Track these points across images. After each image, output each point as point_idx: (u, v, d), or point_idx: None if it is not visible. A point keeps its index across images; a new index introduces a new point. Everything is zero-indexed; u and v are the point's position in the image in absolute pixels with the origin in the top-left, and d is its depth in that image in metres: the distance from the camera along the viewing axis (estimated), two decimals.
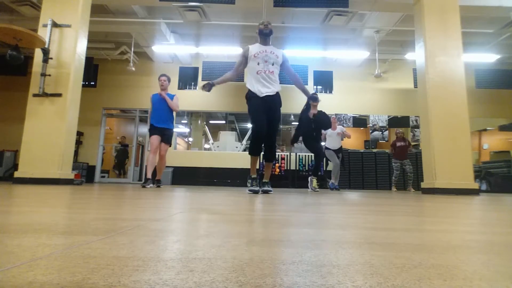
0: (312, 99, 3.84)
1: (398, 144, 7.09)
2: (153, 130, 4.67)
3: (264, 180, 3.38)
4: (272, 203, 1.79)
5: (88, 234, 0.64)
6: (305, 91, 3.69)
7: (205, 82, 3.42)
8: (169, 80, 4.86)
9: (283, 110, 3.69)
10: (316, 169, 5.06)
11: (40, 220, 0.83)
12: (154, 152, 4.62)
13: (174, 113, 5.46)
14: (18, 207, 1.15)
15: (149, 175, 4.56)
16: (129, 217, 0.96)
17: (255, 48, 3.36)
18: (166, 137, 4.70)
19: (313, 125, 4.95)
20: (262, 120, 3.19)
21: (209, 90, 3.36)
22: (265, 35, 3.35)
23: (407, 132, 9.16)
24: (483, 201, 2.62)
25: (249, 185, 3.27)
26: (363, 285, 0.36)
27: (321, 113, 5.04)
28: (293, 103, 8.45)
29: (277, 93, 3.33)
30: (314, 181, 4.91)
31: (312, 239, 0.65)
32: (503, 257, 0.54)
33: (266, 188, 3.28)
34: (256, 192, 3.13)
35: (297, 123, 5.20)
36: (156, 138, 4.64)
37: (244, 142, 9.02)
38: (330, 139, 6.35)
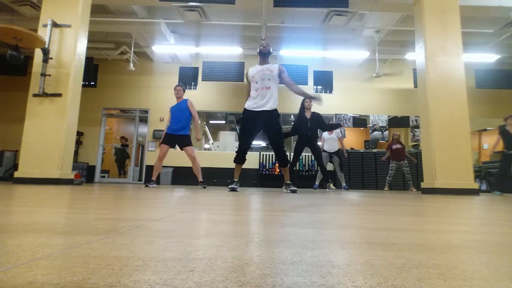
0: (309, 97, 4.05)
1: (394, 146, 7.22)
2: (165, 139, 4.83)
3: (287, 182, 3.82)
4: (272, 203, 1.79)
5: (88, 234, 0.64)
6: (303, 93, 3.91)
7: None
8: (184, 90, 5.08)
9: (283, 110, 3.91)
10: (323, 171, 5.18)
11: (40, 220, 0.83)
12: (161, 159, 4.79)
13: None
14: (18, 207, 1.15)
15: (154, 178, 4.80)
16: (129, 217, 0.96)
17: (253, 71, 3.76)
18: (184, 142, 4.86)
19: (309, 124, 5.02)
20: (247, 137, 3.65)
21: None
22: (264, 55, 3.76)
23: (407, 132, 9.17)
24: (483, 201, 2.62)
25: (231, 185, 3.67)
26: (363, 285, 0.36)
27: (315, 114, 5.14)
28: (292, 104, 8.45)
29: (275, 110, 3.68)
30: (331, 185, 5.03)
31: (312, 239, 0.65)
32: (503, 257, 0.54)
33: (292, 188, 3.66)
34: (234, 190, 3.57)
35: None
36: (165, 147, 4.80)
37: None
38: (327, 143, 6.77)
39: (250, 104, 3.67)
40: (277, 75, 3.70)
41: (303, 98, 5.13)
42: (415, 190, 7.17)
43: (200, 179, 4.94)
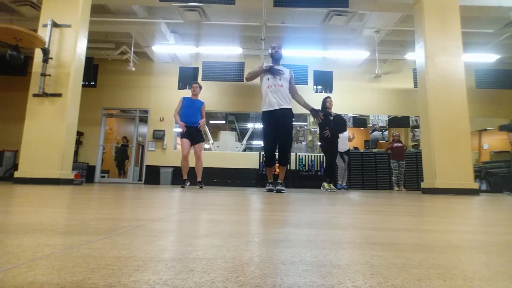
0: (314, 112, 4.14)
1: (395, 145, 7.42)
2: (184, 132, 4.84)
3: (278, 181, 3.79)
4: (272, 203, 1.79)
5: (88, 234, 0.64)
6: (306, 105, 4.01)
7: (268, 66, 3.77)
8: (200, 88, 5.14)
9: (297, 111, 4.00)
10: (327, 174, 5.08)
11: (40, 220, 0.83)
12: (186, 157, 4.80)
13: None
14: (18, 207, 1.15)
15: (185, 176, 4.90)
16: (129, 217, 0.96)
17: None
18: (198, 137, 4.92)
19: (332, 125, 4.99)
20: (272, 140, 3.71)
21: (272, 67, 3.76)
22: (276, 60, 3.87)
23: (407, 132, 9.18)
24: (483, 201, 2.62)
25: (267, 186, 3.87)
26: (363, 285, 0.36)
27: (338, 116, 5.14)
28: (295, 104, 8.44)
29: (290, 109, 3.75)
30: (325, 184, 4.97)
31: (312, 239, 0.65)
32: (503, 257, 0.54)
33: (279, 187, 3.66)
34: (271, 190, 3.69)
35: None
36: (186, 142, 4.80)
37: (244, 142, 9.01)
38: (339, 142, 6.75)
39: (265, 106, 3.76)
40: (288, 79, 3.82)
41: (324, 98, 5.18)
42: (398, 189, 7.34)
43: (199, 178, 4.96)
